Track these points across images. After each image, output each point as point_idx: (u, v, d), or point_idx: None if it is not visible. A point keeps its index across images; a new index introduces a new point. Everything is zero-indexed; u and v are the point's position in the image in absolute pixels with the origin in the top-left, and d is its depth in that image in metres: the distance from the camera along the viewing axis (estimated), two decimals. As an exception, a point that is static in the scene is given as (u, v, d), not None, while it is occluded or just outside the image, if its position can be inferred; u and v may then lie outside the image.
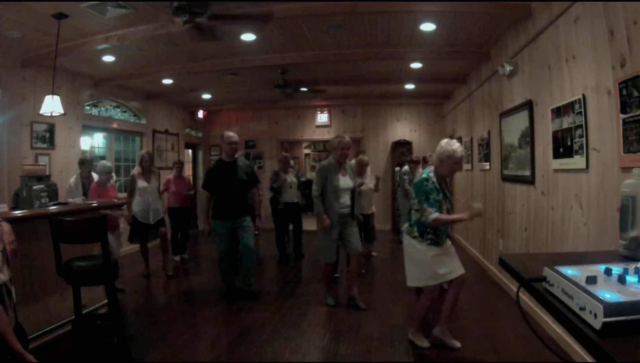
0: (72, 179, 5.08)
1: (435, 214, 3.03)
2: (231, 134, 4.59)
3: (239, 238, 4.53)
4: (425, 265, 3.12)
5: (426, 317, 3.30)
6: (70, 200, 4.42)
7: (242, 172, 4.55)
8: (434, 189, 3.07)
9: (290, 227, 6.96)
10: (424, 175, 3.15)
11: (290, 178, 6.71)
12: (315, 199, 4.17)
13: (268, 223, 7.31)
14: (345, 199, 4.20)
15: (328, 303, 4.34)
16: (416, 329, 3.35)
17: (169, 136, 8.95)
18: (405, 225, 3.29)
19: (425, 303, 3.23)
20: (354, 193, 4.29)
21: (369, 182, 6.01)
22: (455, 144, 3.10)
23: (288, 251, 6.89)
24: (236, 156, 4.60)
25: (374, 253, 6.70)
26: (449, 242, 3.27)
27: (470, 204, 3.32)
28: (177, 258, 6.48)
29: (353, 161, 4.52)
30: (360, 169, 5.70)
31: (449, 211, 3.16)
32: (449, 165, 3.10)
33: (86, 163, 5.19)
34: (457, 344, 3.24)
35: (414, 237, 3.17)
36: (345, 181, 4.20)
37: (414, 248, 3.18)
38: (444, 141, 3.17)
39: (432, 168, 3.19)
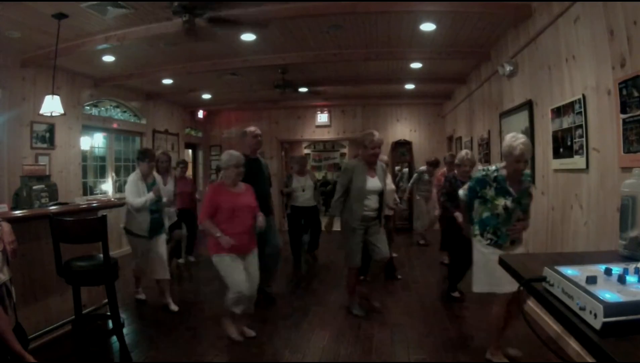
0: (133, 176, 4.18)
1: (461, 192, 3.10)
2: (252, 127, 4.30)
3: (265, 238, 4.16)
4: (486, 268, 2.84)
5: (503, 329, 2.97)
6: (138, 200, 3.97)
7: (265, 170, 4.39)
8: (481, 182, 2.89)
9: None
10: (490, 166, 3.01)
11: (306, 180, 6.38)
12: (333, 203, 3.93)
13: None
14: (372, 202, 3.86)
15: (355, 313, 4.00)
16: (494, 346, 2.98)
17: (169, 136, 8.94)
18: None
19: (498, 311, 2.91)
20: (382, 196, 3.95)
21: (389, 183, 5.89)
22: (518, 139, 2.77)
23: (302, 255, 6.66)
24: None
25: (395, 254, 6.51)
26: (518, 249, 2.96)
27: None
28: (182, 260, 6.37)
29: (385, 158, 4.29)
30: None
31: (508, 211, 2.84)
32: (510, 163, 2.82)
33: (148, 156, 4.22)
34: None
35: (475, 236, 2.99)
36: (373, 183, 3.85)
37: (475, 248, 2.99)
38: (508, 136, 2.87)
39: (503, 163, 2.94)
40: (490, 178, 2.89)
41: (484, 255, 2.90)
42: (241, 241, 3.26)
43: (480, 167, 3.14)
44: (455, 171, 4.58)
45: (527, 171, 2.98)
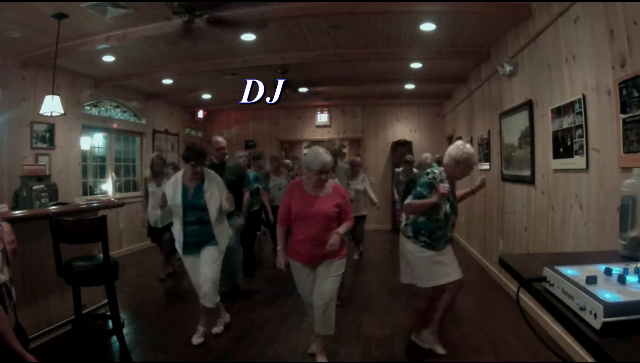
0: (172, 179, 3.53)
1: (408, 200, 2.95)
2: (219, 138, 4.54)
3: None
4: (418, 265, 3.04)
5: (423, 319, 3.27)
6: None
7: (230, 173, 4.50)
8: (430, 185, 2.92)
9: None
10: (428, 169, 3.03)
11: (281, 180, 6.46)
12: None
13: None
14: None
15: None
16: (415, 331, 3.34)
17: (169, 136, 8.95)
18: (402, 224, 3.19)
19: (421, 305, 3.21)
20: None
21: (360, 183, 6.05)
22: (468, 148, 2.95)
23: None
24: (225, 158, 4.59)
25: (357, 255, 6.61)
26: (448, 247, 3.12)
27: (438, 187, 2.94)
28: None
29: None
30: (353, 171, 5.80)
31: (447, 216, 2.99)
32: (461, 170, 2.97)
33: (194, 156, 3.37)
34: (441, 350, 3.14)
35: (408, 237, 3.06)
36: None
37: (404, 247, 3.11)
38: (459, 143, 3.01)
39: (441, 168, 3.05)
40: (436, 182, 2.91)
41: (414, 255, 3.02)
42: (305, 250, 2.91)
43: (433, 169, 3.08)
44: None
45: None
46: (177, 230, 3.40)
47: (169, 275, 5.59)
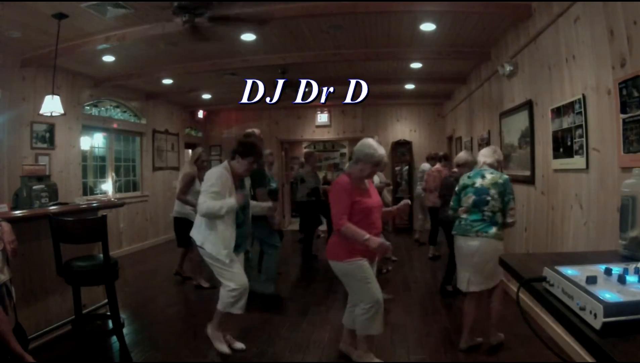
0: (221, 170, 3.09)
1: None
2: (257, 130, 4.53)
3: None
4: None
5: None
6: None
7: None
8: None
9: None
10: (506, 175, 3.19)
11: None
12: None
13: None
14: None
15: None
16: (470, 335, 3.26)
17: (169, 136, 8.94)
18: (493, 229, 3.03)
19: (475, 305, 3.23)
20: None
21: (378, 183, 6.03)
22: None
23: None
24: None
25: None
26: None
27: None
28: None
29: None
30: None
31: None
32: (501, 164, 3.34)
33: (253, 153, 3.14)
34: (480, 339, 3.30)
35: (500, 239, 3.05)
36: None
37: (495, 251, 2.96)
38: (493, 147, 3.46)
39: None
40: None
41: (498, 252, 2.99)
42: None
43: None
44: (455, 171, 4.60)
45: None
46: (229, 232, 3.05)
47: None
